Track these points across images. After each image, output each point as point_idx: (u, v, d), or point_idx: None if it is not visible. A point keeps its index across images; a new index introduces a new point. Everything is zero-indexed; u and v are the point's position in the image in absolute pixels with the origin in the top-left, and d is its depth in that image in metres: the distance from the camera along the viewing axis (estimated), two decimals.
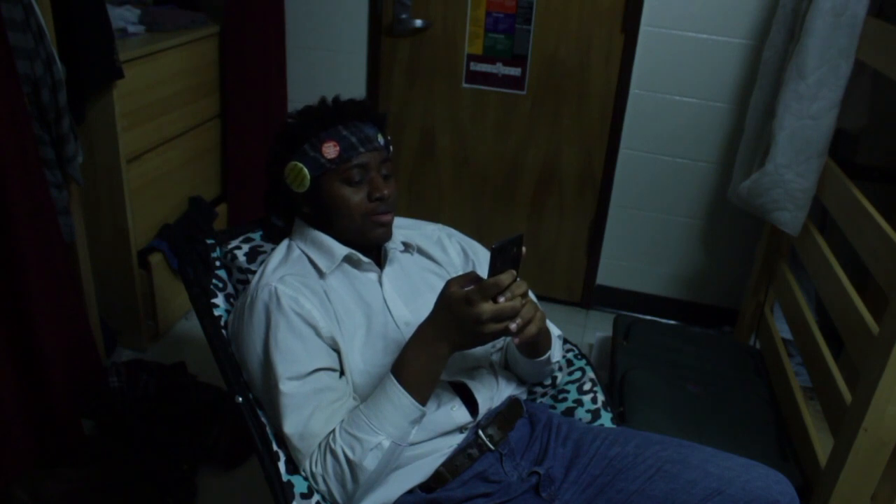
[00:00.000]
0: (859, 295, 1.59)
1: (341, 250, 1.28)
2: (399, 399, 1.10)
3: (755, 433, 1.78)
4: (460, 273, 1.43)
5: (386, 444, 1.09)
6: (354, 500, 1.14)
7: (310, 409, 1.14)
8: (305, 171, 1.26)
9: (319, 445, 1.14)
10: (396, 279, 1.33)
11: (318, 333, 1.19)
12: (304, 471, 1.15)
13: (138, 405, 1.95)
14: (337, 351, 1.21)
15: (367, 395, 1.18)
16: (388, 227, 1.31)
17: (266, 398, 1.20)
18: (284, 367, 1.15)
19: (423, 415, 1.13)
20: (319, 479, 1.13)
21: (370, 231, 1.29)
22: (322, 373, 1.17)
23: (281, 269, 1.27)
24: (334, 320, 1.22)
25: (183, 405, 1.95)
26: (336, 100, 1.33)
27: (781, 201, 1.92)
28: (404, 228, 1.43)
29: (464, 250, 1.47)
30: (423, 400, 1.12)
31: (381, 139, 1.31)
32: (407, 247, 1.40)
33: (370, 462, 1.09)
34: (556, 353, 1.40)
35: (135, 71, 2.11)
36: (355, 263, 1.30)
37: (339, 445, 1.10)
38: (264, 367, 1.19)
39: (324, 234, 1.31)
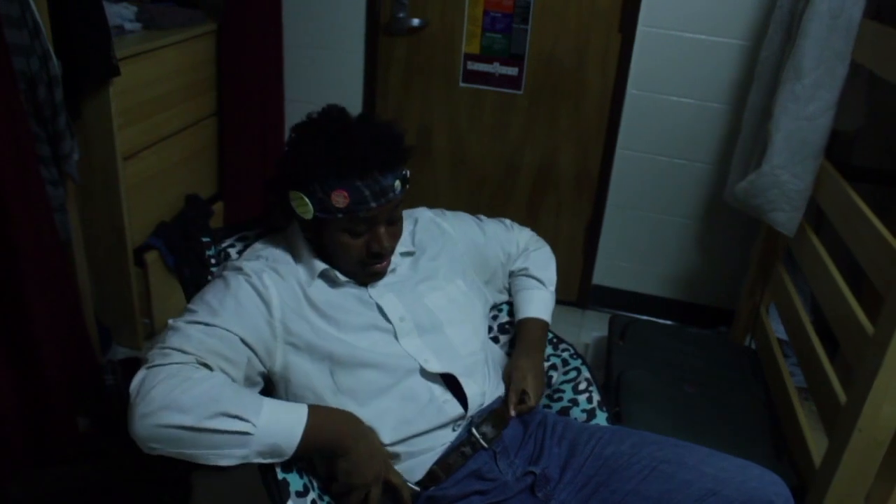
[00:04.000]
0: (854, 295, 1.60)
1: (319, 266, 1.25)
2: (294, 427, 1.07)
3: (751, 433, 1.78)
4: (463, 241, 1.48)
5: (249, 431, 1.06)
6: (131, 419, 1.03)
7: (195, 341, 1.07)
8: (311, 206, 1.20)
9: (175, 360, 1.05)
10: (387, 285, 1.32)
11: (269, 311, 1.16)
12: (148, 357, 1.08)
13: None
14: (274, 341, 1.16)
15: (344, 361, 1.17)
16: (381, 273, 1.30)
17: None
18: (200, 313, 1.11)
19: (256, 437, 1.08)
20: (142, 372, 1.05)
21: (363, 277, 1.28)
22: (232, 335, 1.11)
23: (262, 253, 1.27)
24: (305, 313, 1.19)
25: None
26: (357, 141, 1.18)
27: (777, 202, 1.92)
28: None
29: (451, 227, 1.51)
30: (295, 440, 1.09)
31: (398, 187, 1.22)
32: (406, 256, 1.38)
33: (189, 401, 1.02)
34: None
35: (131, 68, 2.10)
36: (332, 280, 1.27)
37: (198, 380, 1.03)
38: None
39: (311, 246, 1.29)
